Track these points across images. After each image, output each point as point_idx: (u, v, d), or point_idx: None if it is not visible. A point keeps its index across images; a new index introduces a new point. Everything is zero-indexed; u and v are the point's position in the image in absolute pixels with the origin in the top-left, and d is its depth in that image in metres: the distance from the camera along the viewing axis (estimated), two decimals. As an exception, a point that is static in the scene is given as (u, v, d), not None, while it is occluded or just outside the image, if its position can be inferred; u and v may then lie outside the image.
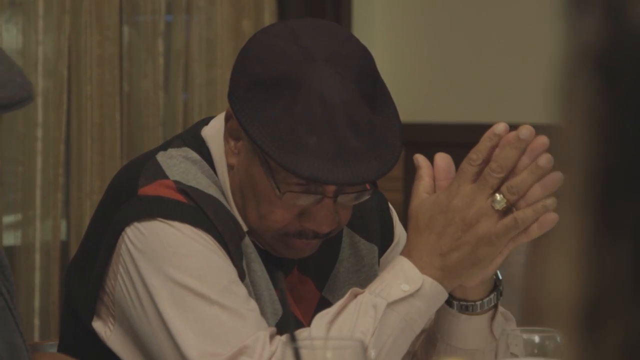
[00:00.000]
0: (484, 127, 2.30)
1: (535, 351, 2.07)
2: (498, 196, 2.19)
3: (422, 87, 4.49)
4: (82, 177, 3.92)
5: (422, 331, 2.40)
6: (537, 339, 2.07)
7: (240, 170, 2.37)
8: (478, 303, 2.34)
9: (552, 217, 2.19)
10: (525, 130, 2.17)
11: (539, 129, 2.20)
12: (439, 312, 2.36)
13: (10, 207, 3.88)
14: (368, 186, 2.36)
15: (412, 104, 4.31)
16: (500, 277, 2.38)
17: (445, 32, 4.55)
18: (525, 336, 2.08)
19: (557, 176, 2.17)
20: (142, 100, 4.14)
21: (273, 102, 2.28)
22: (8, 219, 3.90)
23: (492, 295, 2.35)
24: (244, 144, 2.34)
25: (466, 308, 2.34)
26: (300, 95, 2.26)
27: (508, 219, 2.20)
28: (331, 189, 2.29)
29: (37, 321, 3.82)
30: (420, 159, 2.29)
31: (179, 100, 4.26)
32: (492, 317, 2.36)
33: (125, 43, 4.09)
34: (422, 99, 4.40)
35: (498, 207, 2.19)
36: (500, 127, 2.20)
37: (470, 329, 2.35)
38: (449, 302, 2.34)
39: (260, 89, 2.29)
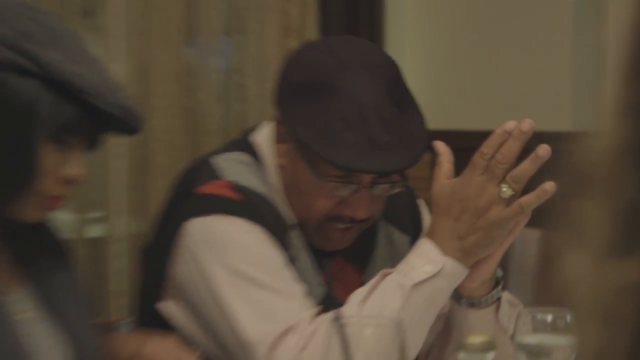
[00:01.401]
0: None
1: (548, 329, 2.10)
2: (504, 187, 2.20)
3: (447, 96, 4.47)
4: (153, 178, 3.95)
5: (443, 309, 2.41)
6: (549, 318, 2.10)
7: (288, 169, 2.40)
8: (482, 299, 2.36)
9: (548, 192, 2.20)
10: (527, 124, 2.19)
11: (552, 136, 2.23)
12: (453, 309, 2.39)
13: (92, 204, 3.91)
14: (398, 178, 2.37)
15: (437, 112, 4.30)
16: (501, 274, 2.39)
17: (467, 48, 4.54)
18: (538, 316, 2.11)
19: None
20: (203, 111, 4.13)
21: (313, 104, 2.31)
22: (91, 214, 3.92)
23: (494, 291, 2.37)
24: (291, 146, 2.37)
25: (472, 304, 2.36)
26: (336, 97, 2.29)
27: (515, 205, 2.20)
28: (366, 180, 2.32)
29: (113, 302, 3.86)
30: (440, 145, 2.30)
31: (234, 110, 4.25)
32: (497, 308, 2.39)
33: (188, 61, 4.10)
34: (446, 108, 4.37)
35: (505, 196, 2.21)
36: (511, 125, 2.20)
37: (478, 321, 2.36)
38: (457, 300, 2.37)
39: (302, 94, 2.33)
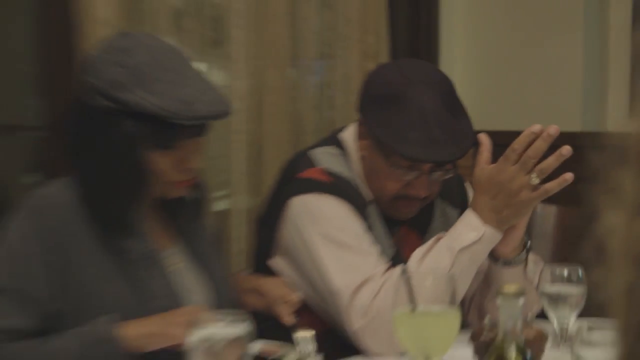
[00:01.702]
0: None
1: (564, 281, 2.08)
2: (533, 175, 2.20)
3: (489, 103, 4.42)
4: (265, 166, 3.92)
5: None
6: (565, 272, 2.10)
7: (367, 159, 2.42)
8: (514, 260, 2.38)
9: (569, 176, 2.20)
10: (553, 129, 2.17)
11: (575, 136, 2.25)
12: (491, 268, 2.40)
13: (219, 185, 3.84)
14: (450, 167, 2.36)
15: (482, 115, 4.29)
16: (528, 240, 2.38)
17: (505, 63, 4.46)
18: (557, 271, 2.10)
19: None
20: (302, 117, 4.08)
21: (387, 111, 2.32)
22: (218, 192, 3.86)
23: (522, 254, 2.39)
24: (369, 142, 2.40)
25: (506, 263, 2.38)
26: (404, 106, 2.30)
27: (541, 190, 2.21)
28: (426, 168, 2.34)
29: (234, 260, 3.76)
30: (483, 137, 2.29)
31: (325, 116, 4.17)
32: (525, 266, 2.39)
33: (292, 78, 4.01)
34: (489, 111, 4.37)
35: (534, 183, 2.21)
36: (537, 127, 2.18)
37: (511, 276, 2.37)
38: (495, 261, 2.38)
39: (378, 103, 2.34)
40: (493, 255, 2.38)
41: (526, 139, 2.21)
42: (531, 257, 2.43)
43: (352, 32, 4.19)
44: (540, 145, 2.19)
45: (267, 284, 2.22)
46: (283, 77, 3.99)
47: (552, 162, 2.19)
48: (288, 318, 2.14)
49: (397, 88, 2.33)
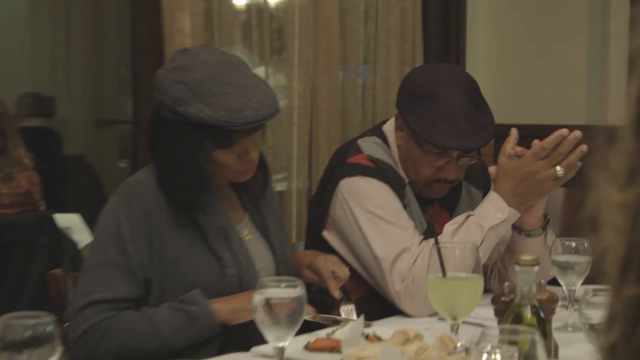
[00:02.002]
0: (549, 127, 2.35)
1: (572, 251, 2.08)
2: (559, 168, 2.21)
3: (506, 99, 4.43)
4: (317, 153, 3.94)
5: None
6: (573, 244, 2.09)
7: (403, 148, 2.39)
8: (536, 231, 2.36)
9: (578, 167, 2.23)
10: (579, 133, 2.18)
11: (579, 128, 2.26)
12: (515, 238, 2.38)
13: (279, 170, 3.88)
14: (475, 154, 2.34)
15: (503, 110, 4.28)
16: (548, 215, 2.38)
17: (519, 66, 4.47)
18: (566, 243, 2.10)
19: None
20: (350, 112, 4.10)
21: (421, 106, 2.30)
22: (278, 175, 3.88)
23: (543, 224, 2.37)
24: (405, 133, 2.37)
25: (529, 234, 2.36)
26: (435, 102, 2.28)
27: (562, 180, 2.23)
28: (455, 155, 2.31)
29: (293, 231, 3.87)
30: (513, 131, 2.29)
31: (369, 112, 4.17)
32: (545, 236, 2.38)
33: (341, 80, 4.05)
34: (510, 106, 4.32)
35: (560, 174, 2.22)
36: (565, 131, 2.20)
37: (532, 245, 2.35)
38: (519, 232, 2.37)
39: (413, 99, 2.32)
40: (518, 228, 2.37)
41: (556, 140, 2.22)
42: (549, 229, 2.42)
43: (392, 41, 4.21)
44: (568, 146, 2.21)
45: (320, 261, 2.19)
46: (333, 79, 4.02)
47: (574, 157, 2.21)
48: (336, 292, 2.13)
49: (429, 87, 2.30)
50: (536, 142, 2.25)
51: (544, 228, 2.38)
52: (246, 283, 2.01)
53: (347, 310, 2.05)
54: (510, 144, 2.28)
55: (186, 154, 1.97)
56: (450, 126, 2.27)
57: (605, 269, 0.67)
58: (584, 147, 2.19)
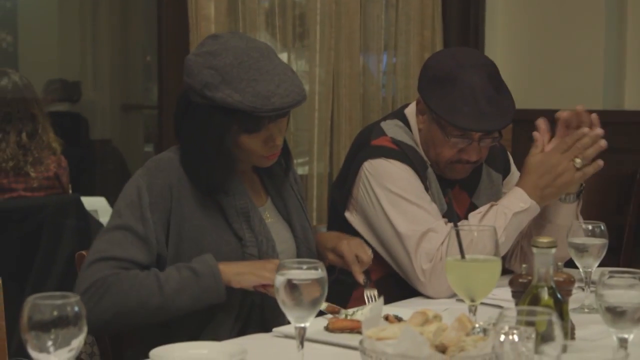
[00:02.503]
0: (556, 111, 2.34)
1: (588, 234, 2.08)
2: (578, 160, 2.26)
3: (525, 84, 4.42)
4: (339, 137, 3.96)
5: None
6: (589, 227, 2.08)
7: (425, 131, 2.38)
8: (569, 197, 2.36)
9: (601, 163, 2.28)
10: (600, 131, 2.25)
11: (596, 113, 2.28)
12: (549, 204, 2.37)
13: (301, 154, 3.93)
14: (497, 135, 2.33)
15: (522, 95, 4.25)
16: (583, 183, 2.37)
17: (538, 52, 4.48)
18: (582, 226, 2.08)
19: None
20: (370, 96, 4.12)
21: (442, 89, 2.29)
22: (300, 159, 3.93)
23: (577, 192, 2.37)
24: (427, 116, 2.36)
25: (562, 199, 2.36)
26: (457, 85, 2.27)
27: (580, 172, 2.27)
28: (476, 136, 2.30)
29: (314, 214, 3.90)
30: (541, 123, 2.32)
31: (390, 95, 4.20)
32: (578, 204, 2.39)
33: (360, 66, 4.03)
34: (528, 91, 4.30)
35: (578, 166, 2.26)
36: (586, 129, 2.26)
37: (567, 210, 2.36)
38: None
39: (435, 83, 2.31)
40: None
41: (577, 136, 2.27)
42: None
43: (412, 27, 4.24)
44: (588, 142, 2.26)
45: (344, 245, 2.17)
46: (354, 65, 4.02)
47: (592, 151, 2.27)
48: (360, 277, 2.13)
49: (450, 70, 2.30)
50: (537, 134, 2.30)
51: (578, 196, 2.38)
52: None
53: (371, 296, 2.05)
54: (541, 141, 2.31)
55: (213, 137, 1.97)
56: (472, 108, 2.26)
57: None
58: (603, 143, 2.25)
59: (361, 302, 2.12)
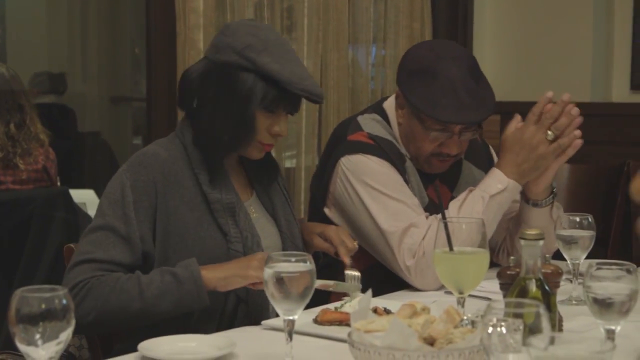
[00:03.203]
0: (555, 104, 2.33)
1: (576, 226, 2.08)
2: (549, 132, 2.23)
3: (513, 77, 4.43)
4: (327, 130, 3.87)
5: (512, 214, 2.42)
6: (577, 219, 2.09)
7: (405, 125, 2.37)
8: (543, 201, 2.35)
9: (579, 142, 2.23)
10: (566, 96, 2.23)
11: (584, 105, 2.27)
12: (522, 208, 2.38)
13: (289, 147, 3.90)
14: (476, 128, 2.32)
15: (510, 88, 4.27)
16: (555, 186, 2.38)
17: (526, 45, 4.49)
18: (570, 217, 2.09)
19: (578, 117, 2.23)
20: (358, 89, 4.10)
21: (421, 82, 2.28)
22: (287, 152, 3.91)
23: (550, 197, 2.36)
24: (406, 110, 2.35)
25: (536, 204, 2.35)
26: (436, 77, 2.26)
27: (555, 144, 2.23)
28: (457, 129, 2.29)
29: (302, 207, 3.87)
30: (516, 115, 2.31)
31: (379, 88, 4.19)
32: (551, 208, 2.37)
33: (350, 59, 4.04)
34: (517, 84, 4.33)
35: (550, 138, 2.23)
36: (550, 93, 2.24)
37: (539, 215, 2.35)
38: (527, 202, 2.36)
39: (414, 76, 2.30)
40: (526, 197, 2.37)
41: (543, 102, 2.25)
42: (556, 203, 2.42)
43: (401, 19, 4.23)
44: (556, 109, 2.23)
45: (332, 230, 2.19)
46: (343, 57, 4.01)
47: (564, 120, 2.23)
48: (346, 258, 2.12)
49: (429, 63, 2.28)
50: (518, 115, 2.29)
51: (551, 201, 2.37)
52: None
53: (352, 277, 2.04)
54: (514, 124, 2.30)
55: (241, 97, 1.97)
56: (452, 100, 2.24)
57: None
58: (573, 110, 2.23)
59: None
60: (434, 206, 2.33)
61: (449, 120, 2.26)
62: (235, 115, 1.98)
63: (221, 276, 1.90)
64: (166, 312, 1.87)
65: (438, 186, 2.37)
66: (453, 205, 2.27)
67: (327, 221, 2.36)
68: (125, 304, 1.86)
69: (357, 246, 2.14)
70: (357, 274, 2.04)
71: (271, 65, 1.95)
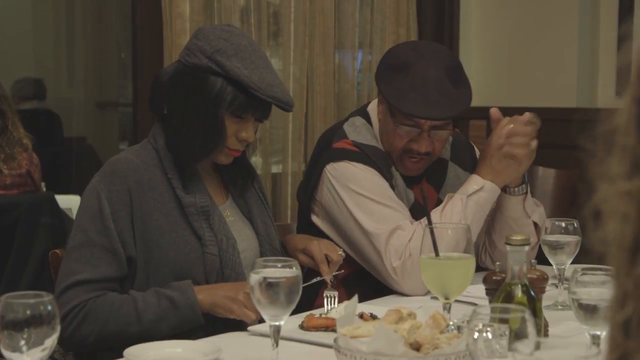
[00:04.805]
0: (541, 110, 2.35)
1: (562, 231, 2.08)
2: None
3: (502, 82, 4.43)
4: (314, 135, 3.88)
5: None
6: (562, 224, 2.10)
7: (382, 121, 2.38)
8: (515, 189, 2.38)
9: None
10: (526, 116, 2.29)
11: (570, 111, 2.27)
12: (499, 197, 2.39)
13: (275, 153, 3.91)
14: (449, 128, 2.33)
15: (496, 93, 4.28)
16: (527, 178, 2.40)
17: (512, 51, 4.50)
18: (556, 223, 2.10)
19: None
20: (345, 95, 4.10)
21: (395, 77, 2.29)
22: (274, 158, 3.91)
23: (522, 186, 2.39)
24: (383, 106, 2.36)
25: (508, 192, 2.38)
26: (409, 73, 2.27)
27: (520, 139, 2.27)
28: (425, 125, 2.29)
29: (288, 212, 3.89)
30: (494, 112, 2.34)
31: (366, 93, 4.18)
32: (524, 199, 2.39)
33: (336, 64, 4.04)
34: (502, 89, 4.36)
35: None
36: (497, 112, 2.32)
37: (512, 203, 2.37)
38: (503, 191, 2.38)
39: (390, 70, 2.31)
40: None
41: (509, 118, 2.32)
42: (532, 198, 2.44)
43: (387, 25, 4.24)
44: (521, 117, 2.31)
45: (314, 245, 2.18)
46: (329, 62, 4.03)
47: (517, 129, 2.29)
48: (327, 277, 2.12)
49: (407, 60, 2.30)
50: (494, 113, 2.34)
51: (524, 190, 2.40)
52: (226, 262, 2.00)
53: (331, 296, 2.04)
54: (497, 131, 2.31)
55: (209, 101, 1.97)
56: (420, 95, 2.26)
57: (611, 253, 0.71)
58: (525, 116, 2.29)
59: None
60: (420, 208, 2.33)
61: (411, 113, 2.27)
62: (204, 119, 1.98)
63: (210, 302, 1.91)
64: (165, 334, 1.88)
65: (424, 188, 2.37)
66: (435, 214, 2.26)
67: (315, 229, 2.37)
68: (124, 328, 1.88)
69: (343, 255, 2.14)
70: (335, 293, 2.04)
71: (241, 70, 1.96)
